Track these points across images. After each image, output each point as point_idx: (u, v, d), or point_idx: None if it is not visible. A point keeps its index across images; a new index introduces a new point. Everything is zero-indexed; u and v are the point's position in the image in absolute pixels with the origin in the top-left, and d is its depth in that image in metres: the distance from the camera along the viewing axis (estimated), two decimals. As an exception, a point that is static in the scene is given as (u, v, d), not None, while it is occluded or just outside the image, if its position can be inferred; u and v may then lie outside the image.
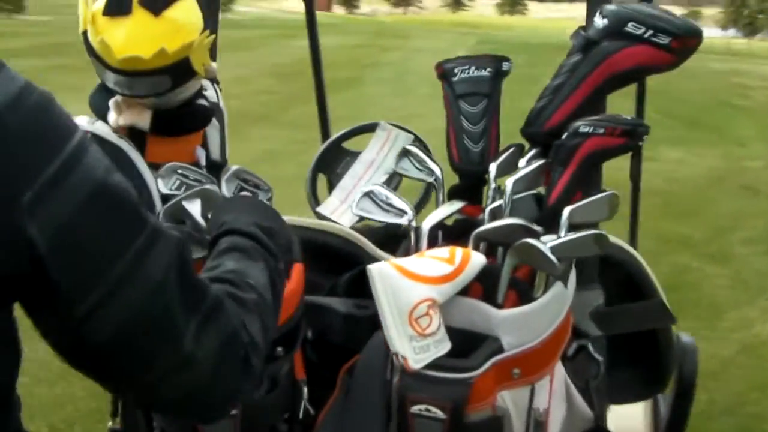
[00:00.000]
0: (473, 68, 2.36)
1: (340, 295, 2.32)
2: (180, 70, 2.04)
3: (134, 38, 1.98)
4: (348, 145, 2.90)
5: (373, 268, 1.98)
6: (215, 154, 2.34)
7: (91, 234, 1.02)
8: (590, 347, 2.25)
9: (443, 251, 2.06)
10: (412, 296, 1.96)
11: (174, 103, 2.16)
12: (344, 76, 19.59)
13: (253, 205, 1.63)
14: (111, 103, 2.16)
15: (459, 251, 2.04)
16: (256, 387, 1.97)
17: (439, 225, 2.27)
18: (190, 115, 2.23)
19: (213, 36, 2.10)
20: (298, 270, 2.11)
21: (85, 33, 2.04)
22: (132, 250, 1.04)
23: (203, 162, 2.27)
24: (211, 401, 1.17)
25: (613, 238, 2.31)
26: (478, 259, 2.04)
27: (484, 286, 2.11)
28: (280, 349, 2.07)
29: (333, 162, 2.85)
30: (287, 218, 2.84)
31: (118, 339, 1.05)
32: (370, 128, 2.79)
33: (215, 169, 2.30)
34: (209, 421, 1.49)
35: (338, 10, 64.21)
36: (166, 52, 1.97)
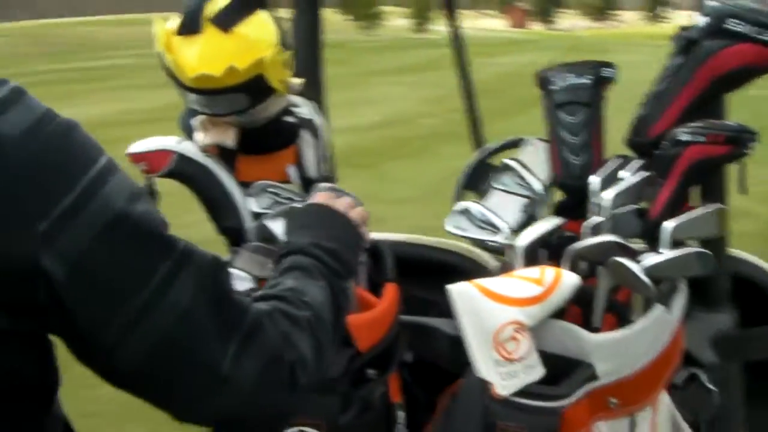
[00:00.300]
0: (572, 76, 2.22)
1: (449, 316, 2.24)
2: (256, 87, 2.00)
3: (205, 56, 1.96)
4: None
5: (453, 289, 1.89)
6: (311, 171, 2.28)
7: (109, 264, 1.00)
8: (703, 377, 2.06)
9: (533, 271, 1.93)
10: (497, 319, 1.84)
11: (259, 120, 2.12)
12: (534, 94, 19.34)
13: (323, 222, 1.54)
14: (195, 122, 2.15)
15: (550, 271, 1.91)
16: (344, 411, 1.92)
17: (542, 242, 2.14)
18: (275, 132, 2.19)
19: (288, 52, 2.05)
20: (391, 290, 2.05)
21: (161, 54, 2.03)
22: (156, 277, 1.02)
23: (294, 179, 2.22)
24: (254, 420, 1.17)
25: (745, 255, 2.12)
26: (570, 280, 1.90)
27: (582, 309, 1.97)
28: (371, 371, 2.01)
29: (480, 178, 2.75)
30: (403, 236, 2.77)
31: (150, 365, 1.05)
32: (515, 144, 2.66)
33: (311, 186, 2.25)
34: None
35: (536, 27, 63.93)
36: (237, 70, 1.93)
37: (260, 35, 2.00)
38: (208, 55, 1.95)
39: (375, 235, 2.72)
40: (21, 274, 0.95)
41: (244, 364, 1.08)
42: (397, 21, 57.25)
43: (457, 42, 3.30)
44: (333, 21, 75.83)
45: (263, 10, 2.04)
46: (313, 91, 2.66)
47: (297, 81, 2.16)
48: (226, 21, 1.97)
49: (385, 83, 22.42)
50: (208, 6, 2.04)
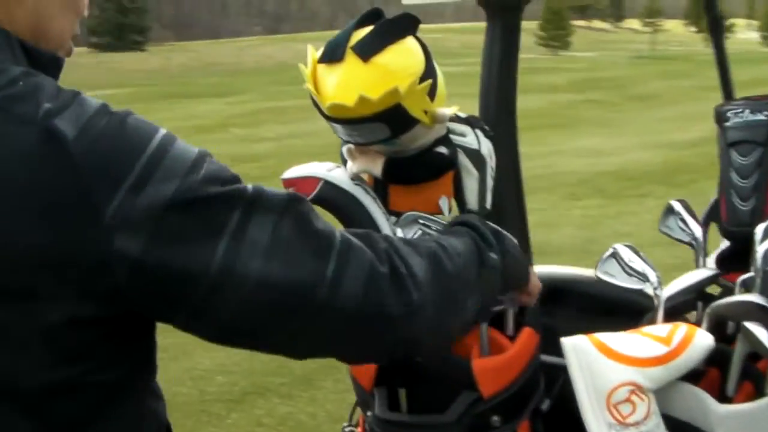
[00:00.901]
0: (747, 112, 2.00)
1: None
2: (395, 117, 1.95)
3: (341, 85, 1.94)
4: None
5: (567, 342, 1.76)
6: (471, 204, 2.20)
7: (181, 228, 1.03)
8: None
9: (662, 328, 1.76)
10: (611, 378, 1.70)
11: (408, 150, 2.07)
12: None
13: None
14: (344, 150, 2.14)
15: (682, 329, 1.73)
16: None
17: (700, 294, 1.95)
18: (422, 164, 2.12)
19: (429, 81, 1.98)
20: (526, 335, 1.95)
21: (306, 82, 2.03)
22: (230, 227, 1.04)
23: (446, 212, 2.15)
24: (367, 339, 1.17)
25: None
26: (702, 341, 1.71)
27: (721, 373, 1.77)
28: (496, 418, 1.91)
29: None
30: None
31: (247, 312, 1.07)
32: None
33: (470, 219, 2.18)
34: (381, 360, 1.43)
35: None
36: (369, 100, 1.89)
37: (400, 64, 1.94)
38: (345, 84, 1.93)
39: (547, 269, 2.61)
40: (99, 262, 0.99)
41: (344, 285, 1.10)
42: (745, 33, 54.53)
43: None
44: (678, 33, 73.60)
45: (412, 35, 1.99)
46: (505, 118, 2.56)
47: (449, 110, 2.08)
48: (365, 49, 1.94)
49: (713, 99, 21.42)
50: (356, 34, 2.02)
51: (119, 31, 45.97)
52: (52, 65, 1.15)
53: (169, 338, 4.57)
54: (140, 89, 27.68)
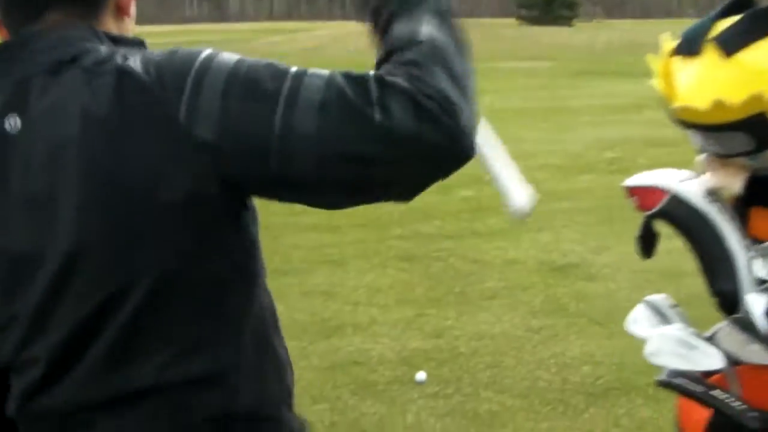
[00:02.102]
0: None
1: None
2: (760, 128, 1.75)
3: (695, 85, 1.76)
4: None
5: None
6: None
7: (241, 106, 1.27)
8: None
9: None
10: None
11: (779, 167, 1.86)
12: None
13: None
14: (700, 159, 1.96)
15: None
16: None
17: None
18: None
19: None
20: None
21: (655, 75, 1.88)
22: (283, 94, 1.26)
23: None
24: (433, 146, 1.26)
25: None
26: None
27: None
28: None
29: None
30: None
31: (320, 158, 1.25)
32: None
33: None
34: (456, 162, 1.33)
35: None
36: (725, 105, 1.70)
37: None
38: (698, 84, 1.75)
39: None
40: (190, 153, 1.28)
41: (392, 108, 1.23)
42: None
43: None
44: None
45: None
46: None
47: None
48: (728, 43, 1.74)
49: None
50: (718, 24, 1.83)
51: (548, 4, 46.30)
52: (136, 44, 1.44)
53: (547, 320, 4.50)
54: (562, 64, 27.73)
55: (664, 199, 1.92)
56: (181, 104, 1.28)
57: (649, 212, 1.93)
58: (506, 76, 24.32)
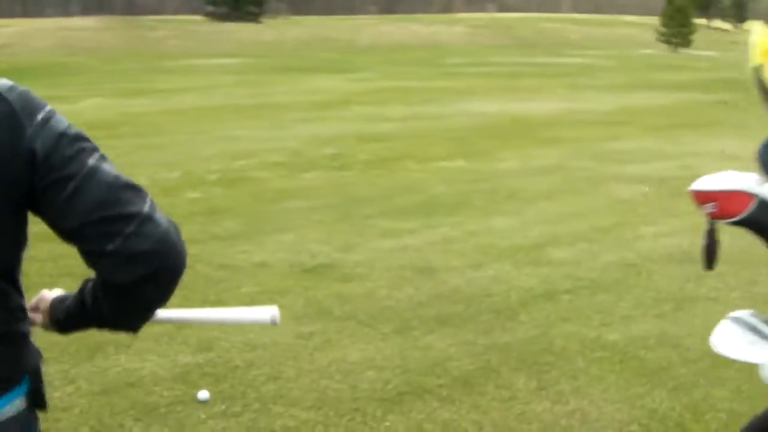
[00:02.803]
0: None
1: None
2: None
3: None
4: None
5: None
6: None
7: (66, 151, 1.63)
8: None
9: None
10: None
11: None
12: None
13: None
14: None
15: None
16: None
17: None
18: None
19: None
20: None
21: (758, 68, 1.65)
22: (92, 159, 1.64)
23: None
24: (173, 248, 1.64)
25: None
26: None
27: None
28: None
29: None
30: None
31: (96, 213, 1.60)
32: None
33: None
34: (176, 269, 1.68)
35: None
36: None
37: None
38: None
39: None
40: (28, 155, 1.61)
41: (156, 214, 1.63)
42: None
43: None
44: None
45: None
46: None
47: None
48: None
49: None
50: None
51: (236, 1, 46.13)
52: None
53: (315, 325, 4.23)
54: (256, 60, 27.61)
55: (752, 205, 1.71)
56: (32, 125, 1.64)
57: (732, 219, 1.73)
58: (203, 73, 23.95)
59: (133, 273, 1.60)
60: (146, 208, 1.61)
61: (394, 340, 5.30)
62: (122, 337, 5.22)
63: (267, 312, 2.03)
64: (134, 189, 1.63)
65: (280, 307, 5.70)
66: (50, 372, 4.75)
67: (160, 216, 1.62)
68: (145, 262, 1.59)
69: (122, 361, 4.94)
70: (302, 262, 6.82)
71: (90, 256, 1.63)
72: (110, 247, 1.58)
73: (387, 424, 4.27)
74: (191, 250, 5.82)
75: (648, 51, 44.76)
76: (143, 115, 15.61)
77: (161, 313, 1.96)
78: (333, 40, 37.77)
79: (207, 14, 47.37)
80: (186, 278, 5.11)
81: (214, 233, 7.66)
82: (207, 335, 5.31)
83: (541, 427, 4.27)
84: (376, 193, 9.46)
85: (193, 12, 49.62)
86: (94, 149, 1.66)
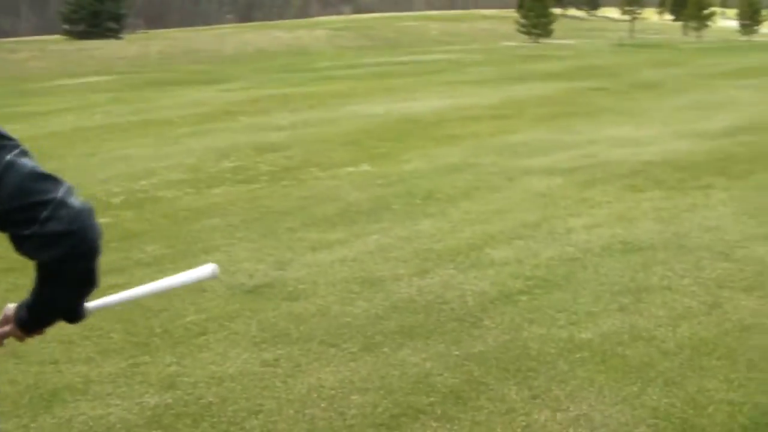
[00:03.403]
0: None
1: None
2: None
3: None
4: None
5: None
6: None
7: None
8: None
9: None
10: None
11: None
12: None
13: None
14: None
15: None
16: None
17: None
18: None
19: None
20: None
21: None
22: (9, 155, 1.85)
23: None
24: (86, 228, 1.83)
25: None
26: None
27: None
28: None
29: None
30: None
31: (21, 190, 1.80)
32: None
33: None
34: (92, 244, 1.89)
35: None
36: None
37: None
38: None
39: None
40: None
41: (71, 198, 1.83)
42: (720, 22, 54.43)
43: None
44: (654, 21, 73.43)
45: None
46: None
47: None
48: None
49: (733, 86, 21.08)
50: None
51: (95, 18, 44.82)
52: None
53: (277, 349, 3.97)
54: (124, 76, 26.83)
55: None
56: None
57: None
58: (74, 93, 23.09)
59: (52, 253, 1.82)
60: (60, 193, 1.82)
61: (366, 359, 5.06)
62: (75, 380, 4.89)
63: (207, 269, 2.32)
64: (50, 178, 1.85)
65: (234, 334, 5.40)
66: (8, 429, 4.36)
67: (75, 200, 1.83)
68: (61, 242, 1.81)
69: (83, 408, 4.55)
70: (241, 283, 6.51)
71: (14, 241, 1.84)
72: (28, 231, 1.80)
73: (394, 451, 4.03)
74: (117, 280, 5.47)
75: (510, 43, 45.47)
76: (24, 140, 14.85)
77: (110, 298, 2.26)
78: (198, 51, 37.06)
79: (65, 33, 45.92)
80: (124, 311, 4.79)
81: (137, 259, 7.26)
82: (166, 371, 4.97)
83: (552, 438, 4.10)
84: (292, 204, 9.17)
85: (48, 32, 48.09)
86: (15, 146, 1.86)
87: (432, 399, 4.52)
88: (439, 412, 4.37)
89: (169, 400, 4.60)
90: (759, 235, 7.49)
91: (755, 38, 47.59)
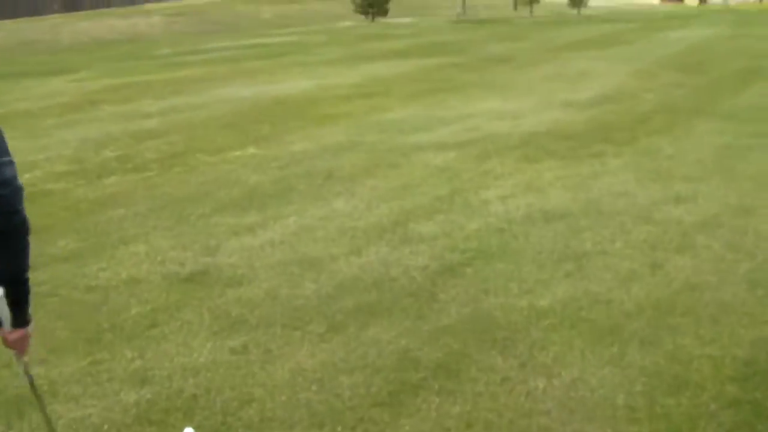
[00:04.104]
0: None
1: None
2: None
3: None
4: None
5: None
6: None
7: None
8: None
9: None
10: None
11: None
12: (745, 67, 18.54)
13: None
14: None
15: None
16: None
17: None
18: None
19: None
20: None
21: None
22: None
23: None
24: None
25: None
26: None
27: None
28: None
29: None
30: None
31: None
32: None
33: None
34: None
35: (691, 2, 62.37)
36: None
37: None
38: None
39: None
40: None
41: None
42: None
43: None
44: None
45: None
46: None
47: None
48: None
49: (582, 58, 21.69)
50: None
51: None
52: None
53: (240, 336, 3.97)
54: (-39, 69, 25.59)
55: None
56: None
57: None
58: None
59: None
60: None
61: (337, 340, 4.99)
62: (37, 383, 4.62)
63: None
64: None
65: (188, 323, 5.22)
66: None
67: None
68: None
69: (59, 410, 4.31)
70: (175, 272, 6.30)
71: None
72: None
73: (407, 428, 3.98)
74: (41, 276, 5.23)
75: (348, 23, 45.42)
76: None
77: None
78: (34, 42, 35.62)
79: None
80: (62, 307, 4.56)
81: (52, 254, 6.91)
82: (132, 366, 4.78)
83: (559, 404, 4.13)
84: (193, 190, 8.92)
85: None
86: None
87: (423, 374, 4.49)
88: (436, 386, 4.35)
89: (149, 396, 4.42)
90: (668, 198, 7.74)
91: (584, 11, 49.06)
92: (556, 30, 34.79)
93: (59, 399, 4.46)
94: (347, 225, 7.32)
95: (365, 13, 47.10)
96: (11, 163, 2.71)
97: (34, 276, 5.40)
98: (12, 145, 2.80)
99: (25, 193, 2.80)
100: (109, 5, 59.50)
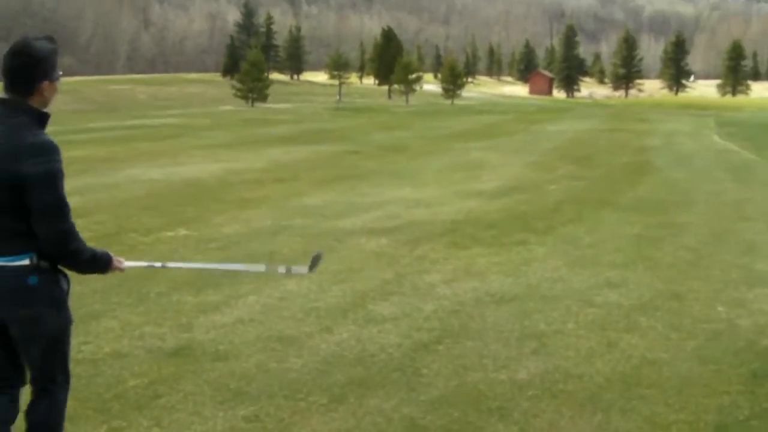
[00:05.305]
0: None
1: None
2: None
3: None
4: None
5: None
6: None
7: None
8: None
9: None
10: None
11: None
12: (630, 162, 19.79)
13: None
14: None
15: None
16: None
17: None
18: None
19: None
20: None
21: None
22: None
23: None
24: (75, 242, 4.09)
25: None
26: None
27: None
28: None
29: None
30: None
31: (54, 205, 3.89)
32: None
33: None
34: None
35: (558, 94, 64.92)
36: None
37: None
38: None
39: None
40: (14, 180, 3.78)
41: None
42: (425, 86, 57.43)
43: None
44: (357, 85, 75.58)
45: None
46: None
47: None
48: None
49: (472, 149, 22.63)
50: None
51: None
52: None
53: (248, 407, 4.62)
54: None
55: None
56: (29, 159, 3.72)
57: None
58: None
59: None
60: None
61: (342, 410, 5.36)
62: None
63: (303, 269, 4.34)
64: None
65: (191, 394, 5.49)
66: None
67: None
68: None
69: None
70: (158, 347, 6.57)
71: None
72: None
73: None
74: None
75: (227, 107, 45.84)
76: None
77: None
78: None
79: None
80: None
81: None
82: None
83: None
84: (140, 270, 9.15)
85: None
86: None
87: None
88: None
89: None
90: (601, 284, 8.41)
91: (457, 102, 50.72)
92: (437, 120, 36.05)
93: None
94: (309, 305, 7.70)
95: (245, 97, 47.75)
96: None
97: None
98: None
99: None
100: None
